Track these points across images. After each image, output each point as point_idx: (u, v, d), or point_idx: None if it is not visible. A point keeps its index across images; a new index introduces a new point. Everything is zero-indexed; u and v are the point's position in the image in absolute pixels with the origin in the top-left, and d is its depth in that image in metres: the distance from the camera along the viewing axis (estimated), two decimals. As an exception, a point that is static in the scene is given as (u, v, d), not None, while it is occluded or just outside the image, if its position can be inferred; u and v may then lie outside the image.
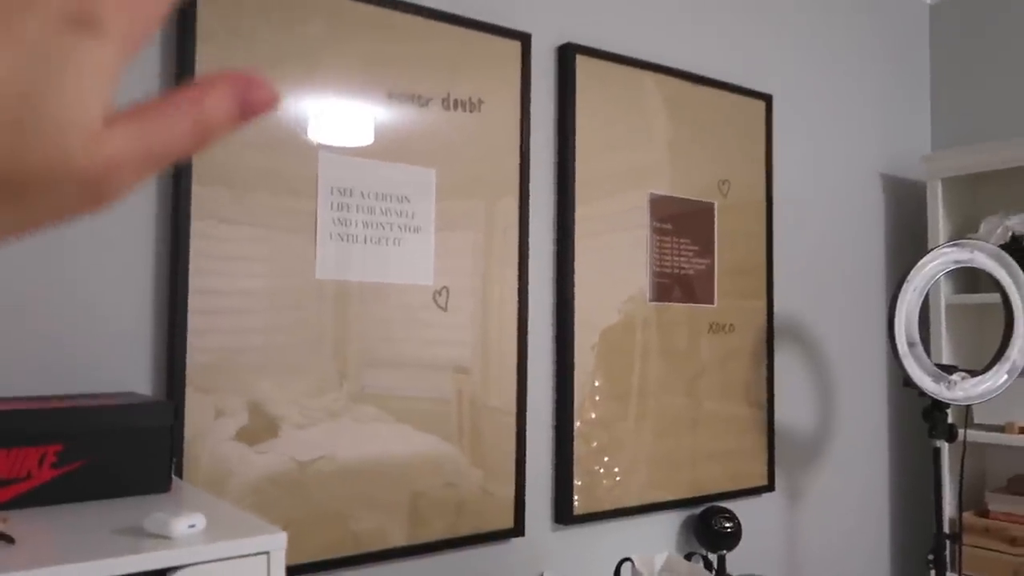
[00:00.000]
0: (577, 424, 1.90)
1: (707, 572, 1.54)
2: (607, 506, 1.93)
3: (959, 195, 2.57)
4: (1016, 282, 2.02)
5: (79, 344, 1.34)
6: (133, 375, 1.39)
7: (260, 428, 1.49)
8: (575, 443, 1.89)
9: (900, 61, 2.74)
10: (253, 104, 0.26)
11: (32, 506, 1.09)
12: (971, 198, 2.60)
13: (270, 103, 0.27)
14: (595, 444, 1.94)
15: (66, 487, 1.12)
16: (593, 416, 1.93)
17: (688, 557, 1.62)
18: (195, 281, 1.42)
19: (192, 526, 0.94)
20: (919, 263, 1.99)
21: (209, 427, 1.43)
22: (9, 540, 0.92)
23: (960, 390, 2.00)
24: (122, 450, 1.16)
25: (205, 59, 1.43)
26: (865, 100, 2.62)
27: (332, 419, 1.56)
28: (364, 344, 1.59)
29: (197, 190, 1.42)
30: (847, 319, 2.51)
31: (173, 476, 1.25)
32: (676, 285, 2.09)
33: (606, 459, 1.97)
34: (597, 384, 1.93)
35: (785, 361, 2.33)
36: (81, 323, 1.34)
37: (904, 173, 2.71)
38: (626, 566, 1.63)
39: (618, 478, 1.98)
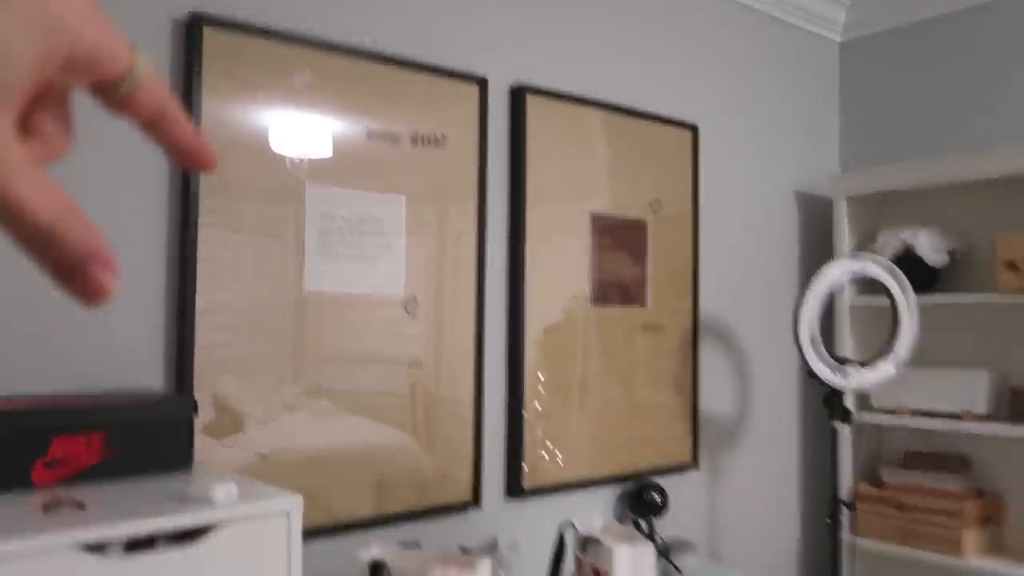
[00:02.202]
0: (524, 414, 2.21)
1: (638, 531, 1.86)
2: (552, 481, 2.24)
3: (862, 211, 2.93)
4: (902, 288, 2.38)
5: (97, 346, 1.60)
6: (144, 373, 1.66)
7: (226, 423, 1.73)
8: (524, 433, 2.19)
9: (814, 92, 3.09)
10: (86, 280, 0.29)
11: (82, 483, 1.35)
12: (873, 214, 2.96)
13: (99, 292, 0.29)
14: (540, 432, 2.24)
15: (109, 467, 1.38)
16: (538, 406, 2.23)
17: (621, 522, 1.93)
18: (201, 297, 1.68)
19: (229, 492, 1.22)
20: (821, 272, 2.34)
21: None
22: (80, 506, 1.19)
23: (854, 379, 2.36)
24: (154, 436, 1.43)
25: (210, 108, 1.70)
26: (782, 127, 2.96)
27: (290, 412, 1.81)
28: (328, 343, 1.87)
29: (204, 228, 1.69)
30: (764, 319, 2.86)
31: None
32: (614, 290, 2.40)
33: (550, 445, 2.27)
34: (542, 377, 2.23)
35: (709, 356, 2.67)
36: (100, 329, 1.61)
37: (816, 191, 3.06)
38: (569, 528, 1.94)
39: (561, 463, 2.29)
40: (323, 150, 1.86)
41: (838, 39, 3.18)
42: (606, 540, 1.80)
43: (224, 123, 1.72)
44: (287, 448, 1.79)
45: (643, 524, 2.39)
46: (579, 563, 1.87)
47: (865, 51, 3.13)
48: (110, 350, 1.61)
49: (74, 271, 0.29)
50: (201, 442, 1.68)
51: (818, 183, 3.08)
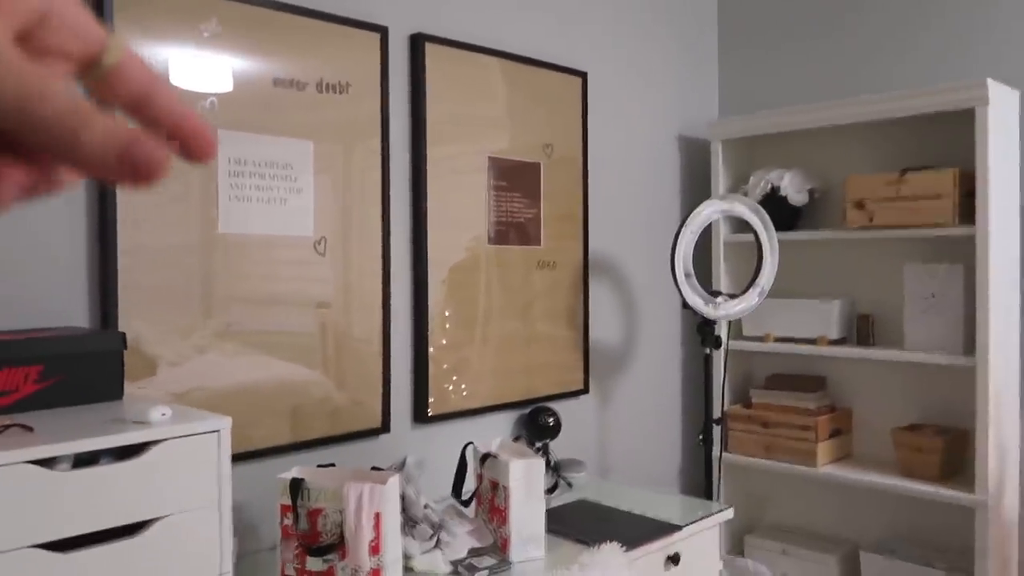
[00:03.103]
0: (431, 349, 2.38)
1: (529, 448, 2.07)
2: (456, 408, 2.43)
3: (736, 154, 3.18)
4: (765, 227, 2.64)
5: (23, 286, 1.68)
6: (71, 312, 1.74)
7: (140, 366, 1.82)
8: (430, 365, 2.36)
9: (696, 40, 3.31)
10: (139, 165, 0.29)
11: (22, 411, 1.45)
12: (746, 157, 3.22)
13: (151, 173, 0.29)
14: (446, 366, 2.41)
15: (47, 397, 1.48)
16: (444, 342, 2.40)
17: (516, 440, 2.14)
18: (122, 237, 1.77)
19: (164, 414, 1.34)
20: (694, 212, 2.57)
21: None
22: (28, 428, 1.30)
23: (723, 310, 2.62)
24: (87, 368, 1.53)
25: (122, 55, 1.76)
26: (665, 74, 3.17)
27: (201, 354, 1.90)
28: (240, 286, 1.99)
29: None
30: (648, 255, 3.10)
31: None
32: (511, 230, 2.58)
33: (455, 377, 2.46)
34: (447, 313, 2.40)
35: (598, 290, 2.89)
36: (25, 270, 1.68)
37: (696, 134, 3.30)
38: (470, 448, 2.14)
39: (464, 393, 2.48)
40: (232, 97, 1.94)
41: (716, -8, 3.39)
42: (502, 456, 2.01)
43: (133, 70, 1.78)
44: (201, 387, 1.90)
45: (538, 445, 2.61)
46: (480, 477, 2.07)
47: (741, 1, 3.35)
48: (36, 290, 1.68)
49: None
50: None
51: (699, 127, 3.32)
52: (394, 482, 1.81)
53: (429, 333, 2.35)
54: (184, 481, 1.34)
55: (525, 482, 1.96)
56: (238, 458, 1.94)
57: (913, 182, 2.64)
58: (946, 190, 2.58)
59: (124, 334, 1.59)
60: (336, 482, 1.81)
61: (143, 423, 1.32)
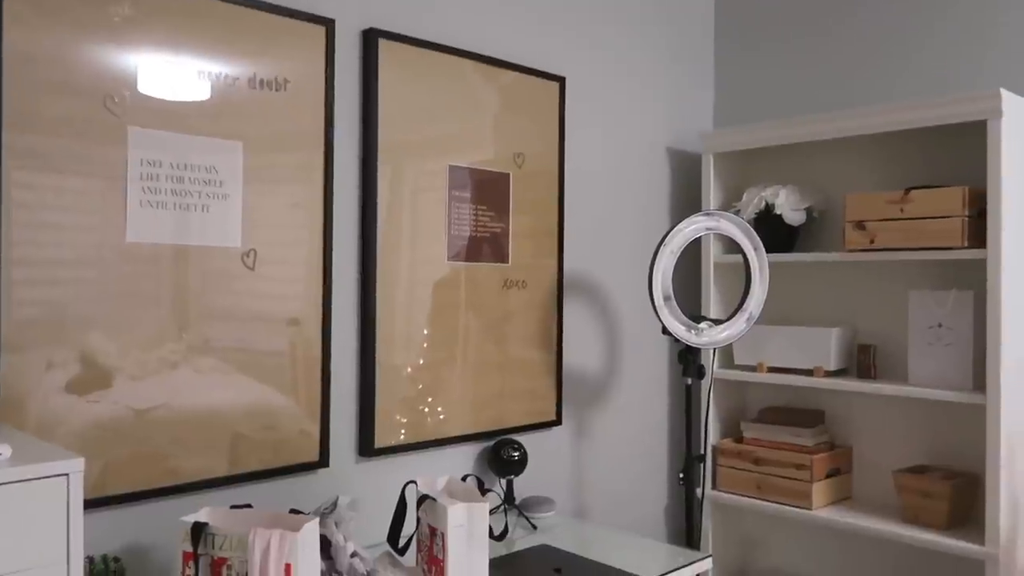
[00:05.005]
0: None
1: (477, 491, 1.84)
2: (407, 440, 2.20)
3: (729, 168, 2.95)
4: (754, 246, 2.41)
5: None
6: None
7: (92, 379, 1.66)
8: (377, 392, 2.14)
9: (687, 46, 3.09)
10: None
11: None
12: (740, 171, 2.99)
13: None
14: (397, 391, 2.19)
15: None
16: (396, 363, 2.18)
17: (464, 479, 1.91)
18: (7, 249, 1.56)
19: (0, 454, 1.13)
20: (674, 229, 2.34)
21: (37, 379, 1.59)
22: None
23: (706, 336, 2.39)
24: (-62, 395, 1.32)
25: (13, 39, 1.56)
26: (654, 80, 2.95)
27: (171, 369, 1.76)
28: (158, 301, 1.78)
29: (12, 173, 1.56)
30: (631, 275, 2.87)
31: (-12, 417, 1.42)
32: (473, 246, 2.36)
33: (430, 399, 2.24)
34: (399, 335, 2.18)
35: (576, 312, 2.66)
36: None
37: (687, 147, 3.07)
38: (410, 487, 1.91)
39: (441, 416, 2.26)
40: (147, 90, 1.74)
41: (710, -6, 3.17)
42: (441, 499, 1.78)
43: (33, 58, 1.59)
44: (159, 404, 1.75)
45: (501, 482, 2.38)
46: (418, 521, 1.84)
47: (741, 4, 3.13)
48: None
49: None
50: (62, 400, 1.63)
51: (690, 139, 3.09)
52: (310, 529, 1.58)
53: (377, 357, 2.13)
54: (22, 535, 1.12)
55: (466, 529, 1.73)
56: (163, 492, 1.75)
57: (918, 201, 2.40)
58: (955, 209, 2.34)
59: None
60: (245, 527, 1.59)
61: (-29, 464, 1.11)
